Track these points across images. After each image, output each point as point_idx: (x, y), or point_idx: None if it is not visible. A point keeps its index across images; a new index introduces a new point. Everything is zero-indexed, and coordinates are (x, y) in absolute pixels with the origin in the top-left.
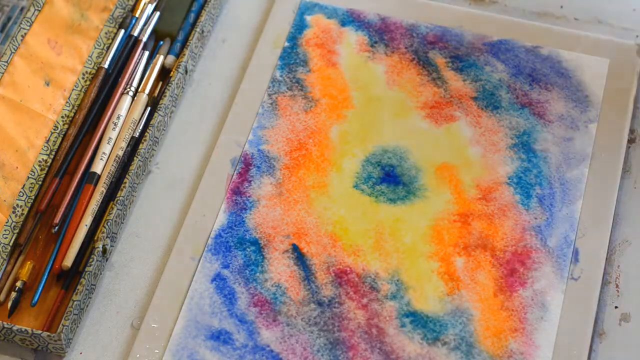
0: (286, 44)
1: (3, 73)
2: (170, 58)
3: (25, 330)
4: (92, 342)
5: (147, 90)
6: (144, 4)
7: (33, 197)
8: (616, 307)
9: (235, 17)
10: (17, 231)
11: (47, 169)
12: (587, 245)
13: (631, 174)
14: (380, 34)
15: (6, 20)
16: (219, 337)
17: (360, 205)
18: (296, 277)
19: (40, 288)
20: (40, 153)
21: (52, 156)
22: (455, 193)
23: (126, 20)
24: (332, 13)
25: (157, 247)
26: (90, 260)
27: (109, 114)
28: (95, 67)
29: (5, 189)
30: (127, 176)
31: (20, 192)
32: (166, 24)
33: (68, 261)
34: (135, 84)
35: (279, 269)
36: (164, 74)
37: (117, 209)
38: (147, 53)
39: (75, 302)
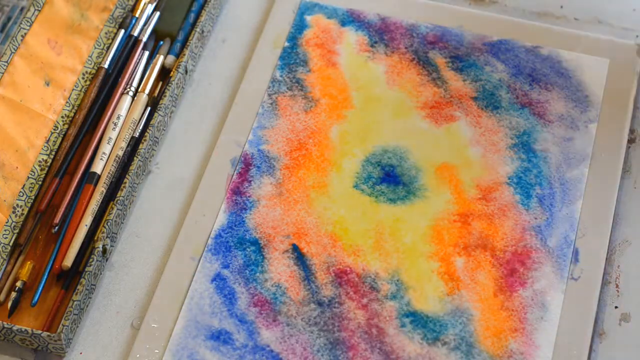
0: (286, 44)
1: (3, 73)
2: (170, 58)
3: (25, 330)
4: (92, 342)
5: (147, 90)
6: (144, 4)
7: (33, 197)
8: (616, 307)
9: (235, 17)
10: (17, 231)
11: (47, 169)
12: (587, 245)
13: (631, 174)
14: (380, 34)
15: (6, 20)
16: (219, 337)
17: (360, 205)
18: (296, 277)
19: (40, 288)
20: (40, 153)
21: (52, 156)
22: (455, 193)
23: (126, 20)
24: (332, 13)
25: (157, 247)
26: (90, 260)
27: (109, 114)
28: (95, 67)
29: (5, 189)
30: (127, 176)
31: (20, 192)
32: (166, 24)
33: (68, 261)
34: (135, 84)
35: (279, 269)
36: (164, 74)
37: (117, 209)
38: (147, 53)
39: (75, 302)
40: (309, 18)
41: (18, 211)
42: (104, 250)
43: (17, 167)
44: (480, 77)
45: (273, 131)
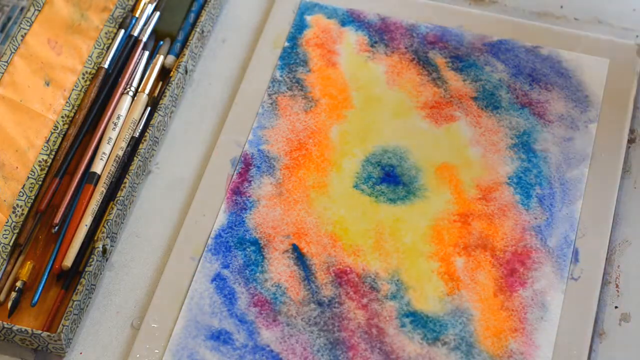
0: (286, 44)
1: (3, 73)
2: (170, 58)
3: (25, 330)
4: (92, 342)
5: (147, 90)
6: (144, 4)
7: (33, 197)
8: (616, 307)
9: (235, 17)
10: (17, 231)
11: (47, 169)
12: (587, 245)
13: (631, 174)
14: (380, 34)
15: (6, 20)
16: (219, 337)
17: (360, 205)
18: (296, 277)
19: (40, 288)
20: (40, 153)
21: (52, 156)
22: (455, 193)
23: (126, 20)
24: (332, 13)
25: (157, 247)
26: (90, 260)
27: (109, 114)
28: (95, 67)
29: (5, 189)
30: (127, 176)
31: (20, 192)
32: (166, 24)
33: (68, 261)
34: (135, 84)
35: (279, 269)
36: (164, 74)
37: (117, 209)
38: (147, 53)
39: (75, 302)
40: (309, 18)
41: (18, 211)
42: (104, 250)
43: (17, 167)
44: (480, 77)
45: (273, 131)
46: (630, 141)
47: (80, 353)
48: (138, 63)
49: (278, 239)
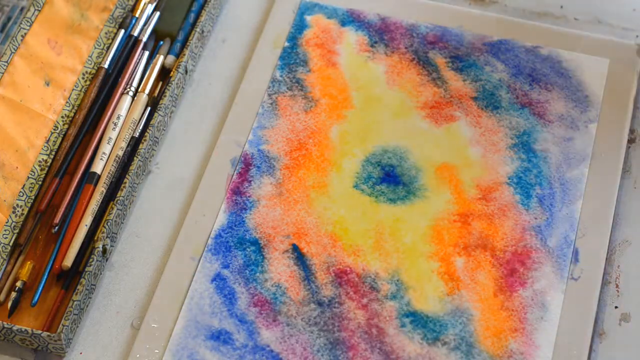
0: (286, 44)
1: (3, 73)
2: (170, 58)
3: (25, 330)
4: (92, 342)
5: (147, 90)
6: (144, 4)
7: (33, 197)
8: (616, 307)
9: (235, 17)
10: (17, 231)
11: (47, 169)
12: (587, 245)
13: (631, 174)
14: (380, 34)
15: (6, 20)
16: (219, 337)
17: (360, 205)
18: (296, 277)
19: (40, 288)
20: (40, 153)
21: (52, 156)
22: (455, 193)
23: (126, 20)
24: (332, 13)
25: (157, 247)
26: (90, 260)
27: (109, 114)
28: (95, 67)
29: (5, 189)
30: (127, 176)
31: (20, 192)
32: (166, 24)
33: (68, 261)
34: (135, 84)
35: (279, 269)
36: (164, 74)
37: (117, 209)
38: (147, 53)
39: (75, 302)
40: (309, 18)
41: (18, 211)
42: (104, 250)
43: (17, 167)
44: (480, 77)
45: (273, 131)
46: (630, 141)
47: (80, 353)
48: (138, 63)
49: (278, 239)
